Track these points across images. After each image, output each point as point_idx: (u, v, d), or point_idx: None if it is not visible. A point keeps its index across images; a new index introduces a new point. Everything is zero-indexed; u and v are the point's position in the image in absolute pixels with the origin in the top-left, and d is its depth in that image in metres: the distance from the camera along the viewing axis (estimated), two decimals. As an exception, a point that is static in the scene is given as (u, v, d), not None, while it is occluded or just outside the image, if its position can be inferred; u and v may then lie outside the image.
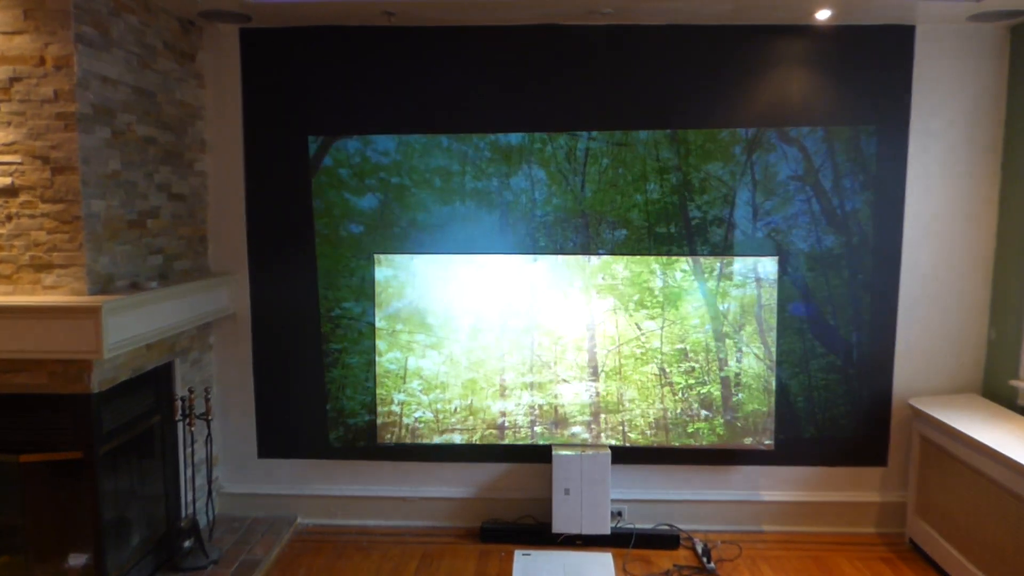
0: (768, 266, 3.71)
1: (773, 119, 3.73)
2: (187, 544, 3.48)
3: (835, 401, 3.90)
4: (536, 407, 3.80)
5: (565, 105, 3.76)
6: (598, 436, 3.76)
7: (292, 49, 3.78)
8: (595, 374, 3.77)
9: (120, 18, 3.11)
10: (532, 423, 3.80)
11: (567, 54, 3.74)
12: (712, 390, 3.75)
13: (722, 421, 3.75)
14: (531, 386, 3.79)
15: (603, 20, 3.65)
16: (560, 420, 3.80)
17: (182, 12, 3.53)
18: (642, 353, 3.74)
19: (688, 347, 3.74)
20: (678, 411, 3.76)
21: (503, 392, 3.80)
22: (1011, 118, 3.67)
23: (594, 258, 3.75)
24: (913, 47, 3.67)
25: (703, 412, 3.76)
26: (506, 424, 3.81)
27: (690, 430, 3.76)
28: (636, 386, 3.76)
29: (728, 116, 3.74)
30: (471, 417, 3.81)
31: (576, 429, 3.78)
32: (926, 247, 3.80)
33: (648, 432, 3.77)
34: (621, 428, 3.78)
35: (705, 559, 3.61)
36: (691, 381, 3.75)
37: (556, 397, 3.79)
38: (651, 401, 3.76)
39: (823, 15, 3.51)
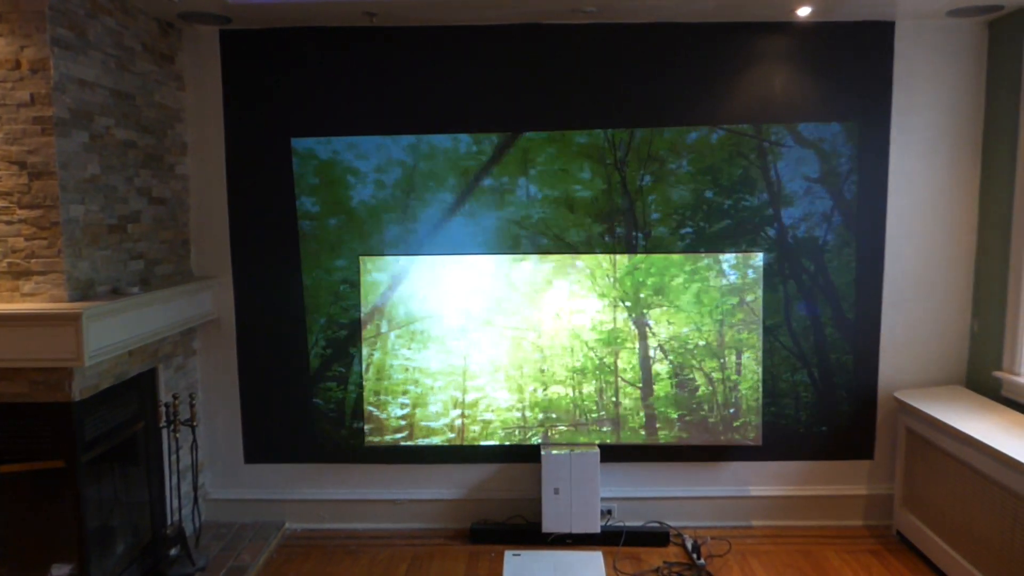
0: (756, 262, 3.72)
1: (754, 115, 3.75)
2: (173, 552, 3.45)
3: (821, 395, 3.92)
4: (554, 406, 3.80)
5: (549, 104, 3.76)
6: (654, 432, 3.78)
7: (273, 50, 3.75)
8: (647, 372, 3.78)
9: (97, 20, 3.07)
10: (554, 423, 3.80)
11: (550, 53, 3.73)
12: (716, 388, 3.77)
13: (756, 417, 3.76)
14: (543, 385, 3.79)
15: (586, 19, 3.65)
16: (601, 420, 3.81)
17: (161, 14, 3.49)
18: (654, 353, 3.76)
19: (691, 345, 3.75)
20: (709, 407, 3.78)
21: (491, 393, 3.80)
22: (990, 112, 3.71)
23: (588, 258, 3.76)
24: (893, 43, 3.70)
25: (730, 410, 3.78)
26: (543, 425, 3.80)
27: (737, 424, 3.76)
28: (654, 384, 3.77)
29: (710, 113, 3.75)
30: (465, 419, 3.80)
31: (606, 427, 3.78)
32: (908, 241, 3.83)
33: (681, 428, 3.79)
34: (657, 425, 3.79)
35: (695, 555, 3.62)
36: (718, 376, 3.77)
37: (560, 397, 3.79)
38: (671, 399, 3.78)
39: (804, 12, 3.53)
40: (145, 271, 3.46)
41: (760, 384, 3.78)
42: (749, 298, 3.74)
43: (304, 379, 3.94)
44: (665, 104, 3.75)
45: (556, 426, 3.80)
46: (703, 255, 3.75)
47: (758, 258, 3.73)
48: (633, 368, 3.76)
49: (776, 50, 3.72)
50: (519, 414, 3.80)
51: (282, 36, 3.73)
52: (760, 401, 3.79)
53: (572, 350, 3.76)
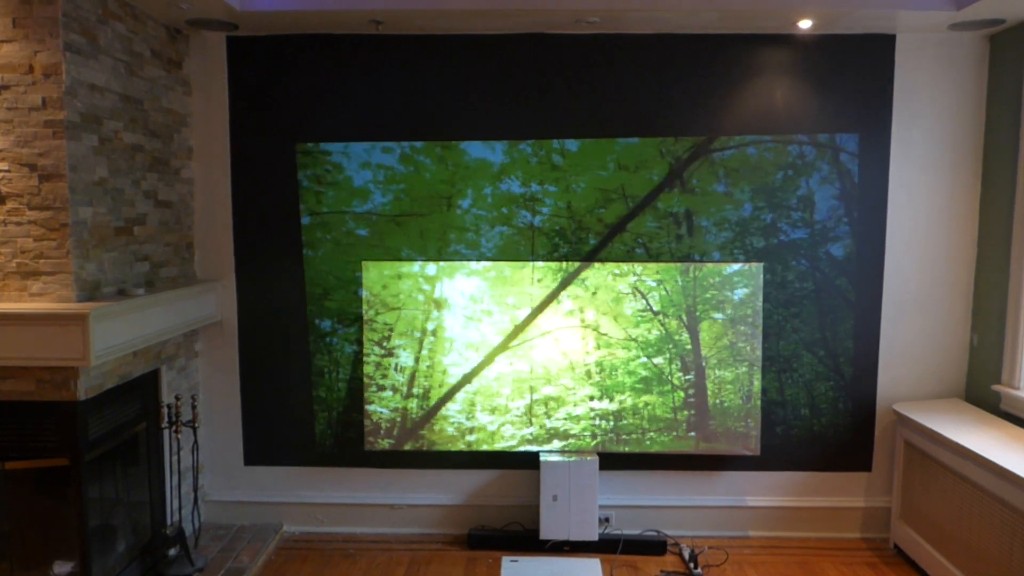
0: (755, 272, 3.74)
1: (756, 127, 3.77)
2: (172, 552, 3.47)
3: (820, 406, 3.93)
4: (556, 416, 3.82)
5: (552, 113, 3.79)
6: (713, 441, 3.78)
7: (279, 57, 3.80)
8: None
9: (108, 26, 3.13)
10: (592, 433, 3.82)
11: (554, 63, 3.77)
12: (716, 396, 3.78)
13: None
14: (544, 403, 3.81)
15: (590, 29, 3.69)
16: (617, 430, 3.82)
17: (169, 20, 3.55)
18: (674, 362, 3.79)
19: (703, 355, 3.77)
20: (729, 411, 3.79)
21: (496, 407, 3.82)
22: (990, 125, 3.72)
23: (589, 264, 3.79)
24: (894, 56, 3.73)
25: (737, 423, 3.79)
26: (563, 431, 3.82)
27: (736, 433, 3.76)
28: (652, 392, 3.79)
29: (712, 124, 3.78)
30: (472, 426, 3.83)
31: (656, 434, 3.80)
32: (908, 254, 3.84)
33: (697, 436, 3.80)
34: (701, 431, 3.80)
35: (692, 565, 3.62)
36: (731, 387, 3.78)
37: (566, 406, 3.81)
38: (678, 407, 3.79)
39: (805, 24, 3.56)
40: (150, 273, 3.50)
41: (759, 394, 3.79)
42: (749, 310, 3.75)
43: (304, 382, 3.97)
44: (665, 113, 3.78)
45: (620, 434, 3.80)
46: (705, 263, 3.77)
47: (758, 268, 3.75)
48: (688, 378, 3.78)
49: (777, 62, 3.75)
50: (596, 421, 3.80)
51: (288, 43, 3.78)
52: (759, 411, 3.79)
53: (630, 358, 3.78)
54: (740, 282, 3.75)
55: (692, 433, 3.78)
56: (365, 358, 3.83)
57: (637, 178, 3.80)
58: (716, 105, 3.77)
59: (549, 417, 3.80)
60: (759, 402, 3.79)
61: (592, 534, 3.77)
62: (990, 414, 3.60)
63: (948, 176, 3.80)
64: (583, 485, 3.74)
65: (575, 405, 3.79)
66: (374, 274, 3.80)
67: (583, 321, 3.76)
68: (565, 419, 3.80)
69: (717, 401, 3.78)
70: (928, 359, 3.89)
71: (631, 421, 3.78)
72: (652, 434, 3.78)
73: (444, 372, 3.81)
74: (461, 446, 3.82)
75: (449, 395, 3.78)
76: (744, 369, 3.77)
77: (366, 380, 3.84)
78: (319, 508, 4.03)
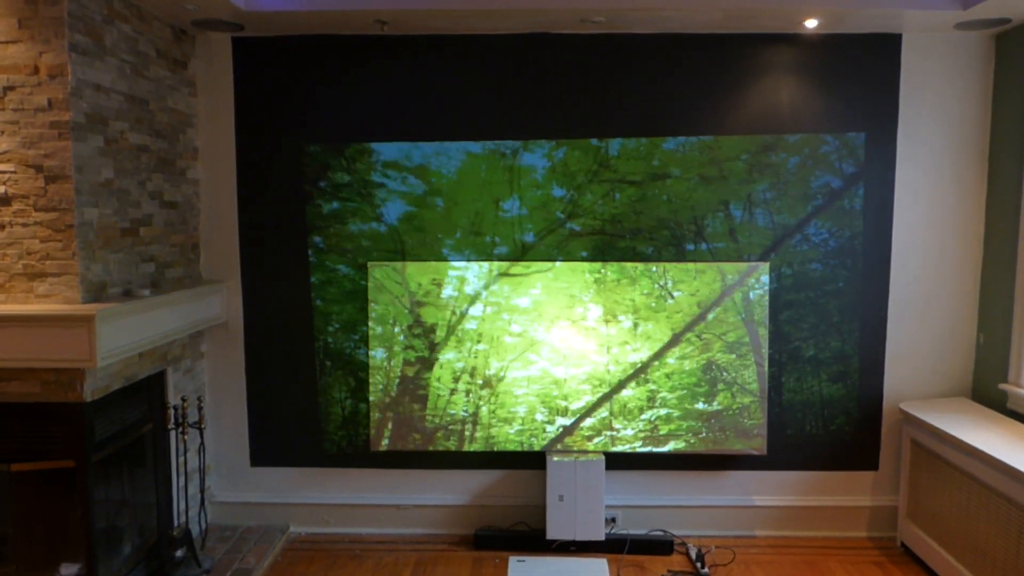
0: (761, 271, 3.74)
1: (762, 126, 3.77)
2: (179, 553, 3.46)
3: (826, 406, 3.93)
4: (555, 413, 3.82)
5: (557, 113, 3.79)
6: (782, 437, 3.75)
7: (284, 57, 3.79)
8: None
9: (113, 26, 3.12)
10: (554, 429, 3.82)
11: (559, 62, 3.77)
12: (720, 395, 3.78)
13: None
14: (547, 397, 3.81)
15: (595, 29, 3.69)
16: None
17: (175, 20, 3.54)
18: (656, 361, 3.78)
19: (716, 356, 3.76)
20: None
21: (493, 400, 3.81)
22: (997, 124, 3.72)
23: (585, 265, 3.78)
24: (900, 55, 3.72)
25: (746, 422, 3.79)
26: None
27: (785, 431, 3.75)
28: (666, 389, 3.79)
29: (718, 123, 3.77)
30: (470, 426, 3.82)
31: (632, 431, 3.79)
32: (915, 252, 3.84)
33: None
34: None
35: (699, 564, 3.62)
36: (736, 388, 3.78)
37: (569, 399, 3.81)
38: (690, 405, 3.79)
39: (811, 24, 3.56)
40: (156, 274, 3.49)
41: (766, 393, 3.79)
42: (756, 309, 3.75)
43: (310, 383, 3.96)
44: (671, 114, 3.77)
45: (698, 434, 3.79)
46: (711, 263, 3.77)
47: (764, 268, 3.75)
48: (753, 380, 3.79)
49: (784, 62, 3.75)
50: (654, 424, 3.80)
51: (294, 44, 3.77)
52: (766, 410, 3.79)
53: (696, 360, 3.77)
54: (747, 282, 3.74)
55: (759, 433, 3.78)
56: (372, 358, 3.82)
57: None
58: (721, 105, 3.76)
59: (628, 420, 3.81)
60: (766, 402, 3.79)
61: (599, 534, 3.77)
62: (997, 412, 3.60)
63: (954, 175, 3.80)
64: (589, 485, 3.74)
65: (629, 406, 3.79)
66: (380, 274, 3.80)
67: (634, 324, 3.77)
68: (632, 422, 3.81)
69: (728, 399, 3.78)
70: (934, 358, 3.89)
71: (689, 424, 3.79)
72: (719, 433, 3.77)
73: (482, 375, 3.81)
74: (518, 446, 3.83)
75: (582, 417, 3.80)
76: (752, 369, 3.76)
77: (372, 381, 3.83)
78: (325, 509, 4.03)
